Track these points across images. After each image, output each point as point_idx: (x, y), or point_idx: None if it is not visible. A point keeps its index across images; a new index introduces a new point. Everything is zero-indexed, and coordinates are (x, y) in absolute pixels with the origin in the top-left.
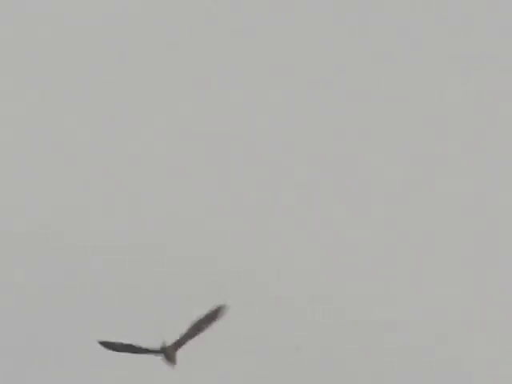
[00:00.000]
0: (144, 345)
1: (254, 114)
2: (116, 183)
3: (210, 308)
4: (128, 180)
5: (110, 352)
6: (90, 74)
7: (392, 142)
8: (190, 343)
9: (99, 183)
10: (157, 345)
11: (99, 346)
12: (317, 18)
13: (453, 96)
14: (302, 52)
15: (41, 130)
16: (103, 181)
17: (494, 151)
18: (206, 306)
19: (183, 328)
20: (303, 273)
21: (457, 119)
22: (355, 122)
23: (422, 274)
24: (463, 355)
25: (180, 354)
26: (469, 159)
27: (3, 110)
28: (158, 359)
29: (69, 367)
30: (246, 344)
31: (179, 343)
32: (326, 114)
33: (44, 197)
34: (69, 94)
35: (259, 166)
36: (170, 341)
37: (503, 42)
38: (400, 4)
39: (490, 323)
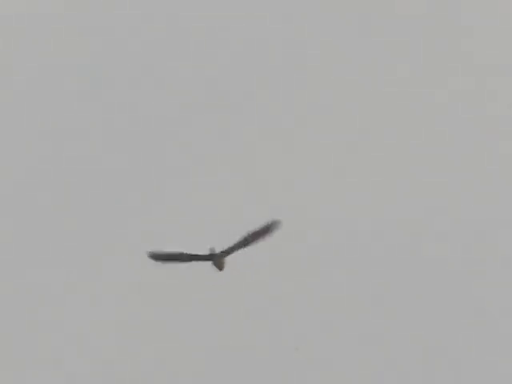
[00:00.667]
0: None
1: None
2: None
3: (261, 224)
4: None
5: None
6: None
7: None
8: (239, 252)
9: None
10: (205, 252)
11: (150, 257)
12: None
13: None
14: None
15: None
16: None
17: None
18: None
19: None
20: None
21: None
22: None
23: None
24: None
25: (227, 260)
26: None
27: None
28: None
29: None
30: (245, 342)
31: (228, 252)
32: None
33: None
34: None
35: None
36: (219, 248)
37: None
38: None
39: None
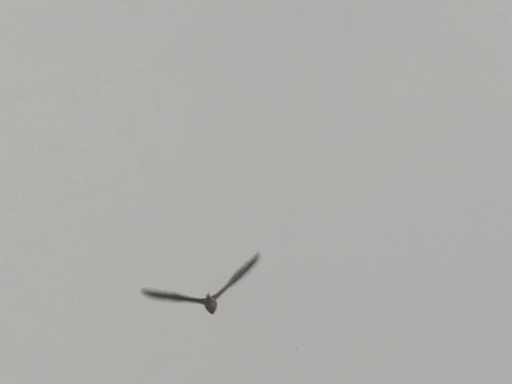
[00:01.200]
0: (187, 293)
1: None
2: None
3: (246, 260)
4: None
5: (154, 300)
6: None
7: None
8: (229, 291)
9: None
10: (200, 295)
11: (144, 294)
12: None
13: None
14: None
15: None
16: None
17: None
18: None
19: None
20: None
21: None
22: None
23: None
24: None
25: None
26: None
27: None
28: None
29: None
30: (245, 344)
31: (220, 292)
32: None
33: None
34: None
35: None
36: (212, 291)
37: None
38: None
39: None
